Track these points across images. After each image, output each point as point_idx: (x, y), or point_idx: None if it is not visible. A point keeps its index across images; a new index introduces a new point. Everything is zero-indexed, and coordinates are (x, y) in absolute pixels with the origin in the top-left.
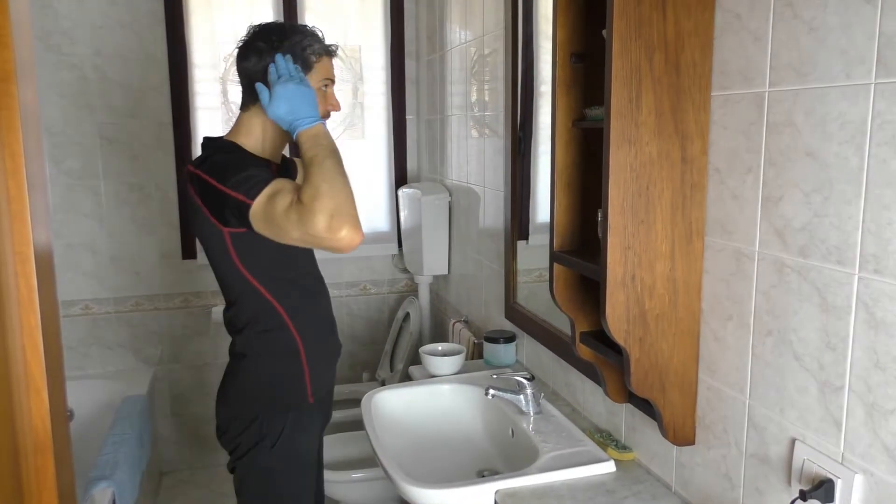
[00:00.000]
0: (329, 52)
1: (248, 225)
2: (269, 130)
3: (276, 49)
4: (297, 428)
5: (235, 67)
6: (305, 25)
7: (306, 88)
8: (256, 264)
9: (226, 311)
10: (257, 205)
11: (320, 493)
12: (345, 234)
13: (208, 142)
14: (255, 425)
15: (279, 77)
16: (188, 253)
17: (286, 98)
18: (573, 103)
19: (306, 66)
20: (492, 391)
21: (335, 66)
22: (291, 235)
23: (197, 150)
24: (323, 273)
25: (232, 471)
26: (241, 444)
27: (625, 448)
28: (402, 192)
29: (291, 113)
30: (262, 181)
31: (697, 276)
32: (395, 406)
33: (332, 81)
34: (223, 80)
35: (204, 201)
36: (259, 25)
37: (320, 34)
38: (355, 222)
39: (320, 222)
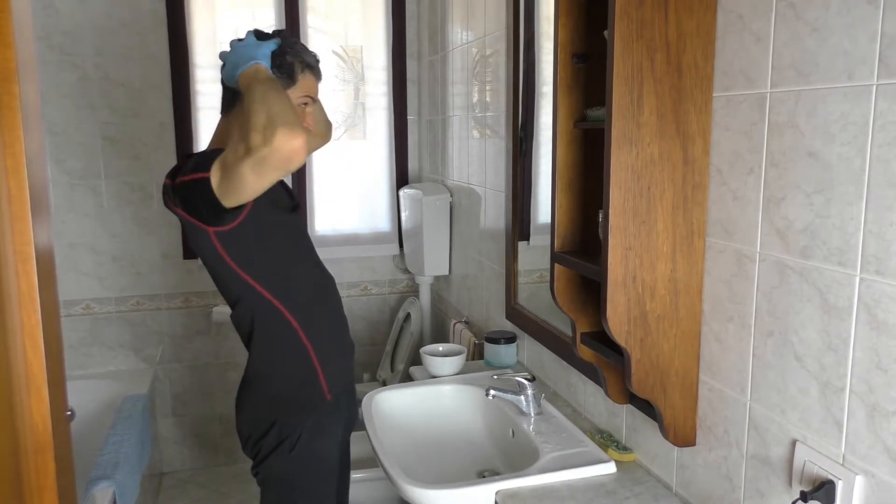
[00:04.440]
0: (316, 72)
1: (217, 207)
2: None
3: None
4: (315, 432)
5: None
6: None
7: (243, 44)
8: (250, 262)
9: (231, 315)
10: (213, 172)
11: (344, 495)
12: (279, 139)
13: (185, 157)
14: (273, 429)
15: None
16: (189, 253)
17: (230, 60)
18: (574, 104)
19: (291, 78)
20: (492, 392)
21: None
22: (244, 174)
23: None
24: None
25: (255, 475)
26: (262, 449)
27: (625, 449)
28: (404, 192)
29: (234, 68)
30: (216, 155)
31: (698, 276)
32: (396, 406)
33: (313, 100)
34: None
35: (183, 206)
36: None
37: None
38: (289, 126)
39: (256, 139)
